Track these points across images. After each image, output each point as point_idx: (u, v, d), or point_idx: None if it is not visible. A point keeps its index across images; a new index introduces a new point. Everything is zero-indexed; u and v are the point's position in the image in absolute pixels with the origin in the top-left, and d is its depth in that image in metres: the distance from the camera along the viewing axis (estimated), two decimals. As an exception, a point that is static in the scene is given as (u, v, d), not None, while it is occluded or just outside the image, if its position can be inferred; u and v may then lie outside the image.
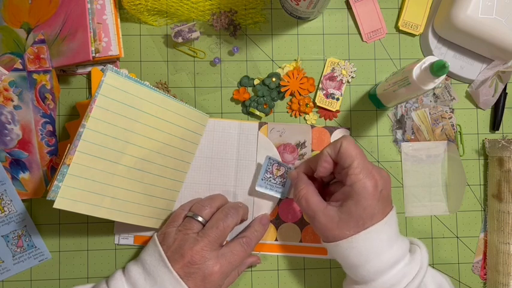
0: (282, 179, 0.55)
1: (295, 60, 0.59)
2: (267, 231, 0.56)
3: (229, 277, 0.52)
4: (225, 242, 0.52)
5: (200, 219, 0.50)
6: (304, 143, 0.58)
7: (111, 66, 0.47)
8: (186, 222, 0.51)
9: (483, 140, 0.60)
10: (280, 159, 0.56)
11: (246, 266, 0.56)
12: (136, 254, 0.57)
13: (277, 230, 0.58)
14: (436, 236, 0.60)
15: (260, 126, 0.57)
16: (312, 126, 0.58)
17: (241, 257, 0.51)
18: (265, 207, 0.57)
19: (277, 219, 0.58)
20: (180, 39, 0.56)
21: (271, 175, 0.55)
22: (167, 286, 0.46)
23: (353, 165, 0.46)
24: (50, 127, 0.54)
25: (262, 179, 0.54)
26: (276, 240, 0.58)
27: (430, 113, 0.59)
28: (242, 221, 0.55)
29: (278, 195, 0.56)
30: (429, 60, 0.46)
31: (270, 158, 0.53)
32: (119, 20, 0.56)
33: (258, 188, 0.54)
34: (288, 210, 0.58)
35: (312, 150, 0.58)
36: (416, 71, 0.46)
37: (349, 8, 0.60)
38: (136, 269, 0.48)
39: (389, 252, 0.45)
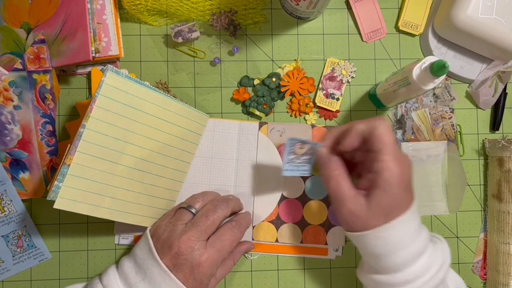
0: (306, 157, 0.51)
1: (295, 60, 0.59)
2: (268, 231, 0.56)
3: (223, 267, 0.51)
4: None
5: (193, 210, 0.50)
6: (304, 143, 0.57)
7: (111, 66, 0.47)
8: (178, 214, 0.51)
9: (483, 140, 0.60)
10: (302, 138, 0.51)
11: (240, 254, 0.55)
12: (137, 254, 0.57)
13: (277, 230, 0.57)
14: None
15: (260, 126, 0.57)
16: (312, 126, 0.58)
17: (231, 242, 0.50)
18: (266, 208, 0.57)
19: (277, 220, 0.57)
20: (180, 39, 0.56)
21: (294, 155, 0.50)
22: (157, 278, 0.46)
23: (385, 151, 0.43)
24: (50, 127, 0.54)
25: (287, 163, 0.50)
26: (277, 241, 0.57)
27: (430, 113, 0.59)
28: (234, 213, 0.54)
29: (306, 174, 0.52)
30: (429, 60, 0.46)
31: (291, 139, 0.49)
32: (118, 20, 0.56)
33: (285, 174, 0.50)
34: (289, 210, 0.58)
35: None
36: (416, 71, 0.46)
37: (349, 8, 0.60)
38: (128, 263, 0.48)
39: (416, 243, 0.44)
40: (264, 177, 0.57)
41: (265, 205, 0.57)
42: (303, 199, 0.58)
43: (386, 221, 0.43)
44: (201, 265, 0.47)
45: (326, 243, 0.57)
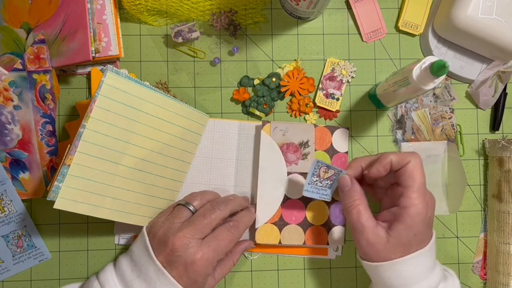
0: (328, 181, 0.52)
1: (295, 60, 0.59)
2: (271, 234, 0.55)
3: (222, 267, 0.51)
4: None
5: (191, 207, 0.50)
6: (307, 142, 0.57)
7: (111, 66, 0.47)
8: (176, 211, 0.50)
9: (483, 140, 0.60)
10: (329, 163, 0.53)
11: (239, 253, 0.54)
12: (137, 254, 0.57)
13: (280, 232, 0.56)
14: (436, 236, 0.60)
15: (263, 124, 0.56)
16: (315, 126, 0.58)
17: (228, 242, 0.49)
18: (269, 209, 0.56)
19: (280, 221, 0.56)
20: (180, 39, 0.56)
21: (317, 178, 0.51)
22: (151, 276, 0.46)
23: (413, 188, 0.45)
24: (50, 127, 0.54)
25: (309, 183, 0.51)
26: (280, 243, 0.56)
27: (430, 113, 0.59)
28: (236, 212, 0.53)
29: (326, 198, 0.53)
30: (429, 60, 0.46)
31: (318, 161, 0.49)
32: (118, 20, 0.56)
33: (305, 194, 0.51)
34: (292, 211, 0.56)
35: (315, 150, 0.57)
36: (416, 71, 0.46)
37: (349, 8, 0.60)
38: (125, 261, 0.48)
39: (429, 278, 0.45)
40: (267, 177, 0.56)
41: (269, 206, 0.56)
42: (306, 199, 0.56)
43: (403, 255, 0.44)
44: (195, 263, 0.46)
45: (328, 243, 0.56)
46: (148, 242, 0.48)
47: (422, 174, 0.45)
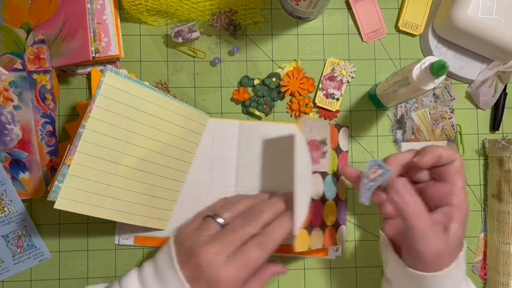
0: (372, 183, 0.45)
1: (295, 60, 0.59)
2: (305, 240, 0.49)
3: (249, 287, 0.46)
4: None
5: (219, 220, 0.47)
6: (325, 140, 0.53)
7: (111, 66, 0.47)
8: (205, 223, 0.48)
9: (483, 140, 0.60)
10: (381, 162, 0.45)
11: (268, 276, 0.48)
12: (137, 254, 0.57)
13: (309, 237, 0.49)
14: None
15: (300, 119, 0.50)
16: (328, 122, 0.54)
17: (257, 260, 0.44)
18: (303, 212, 0.49)
19: (309, 225, 0.50)
20: (180, 40, 0.56)
21: (367, 180, 0.45)
22: None
23: (462, 185, 0.43)
24: (50, 127, 0.54)
25: (366, 189, 0.45)
26: (309, 249, 0.49)
27: (430, 113, 0.59)
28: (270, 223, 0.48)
29: (365, 202, 0.46)
30: (429, 60, 0.46)
31: (374, 161, 0.44)
32: (118, 20, 0.56)
33: (363, 200, 0.45)
34: (316, 213, 0.51)
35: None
36: (416, 71, 0.46)
37: (349, 8, 0.60)
38: (148, 268, 0.46)
39: (467, 280, 0.45)
40: (303, 178, 0.49)
41: (304, 209, 0.49)
42: (323, 199, 0.53)
43: (453, 259, 0.42)
44: (219, 281, 0.42)
45: (336, 244, 0.54)
46: (174, 252, 0.45)
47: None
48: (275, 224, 0.47)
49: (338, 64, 0.59)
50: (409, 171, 0.47)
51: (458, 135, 0.60)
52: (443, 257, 0.41)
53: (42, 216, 0.56)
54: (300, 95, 0.58)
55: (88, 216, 0.47)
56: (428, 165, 0.44)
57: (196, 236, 0.45)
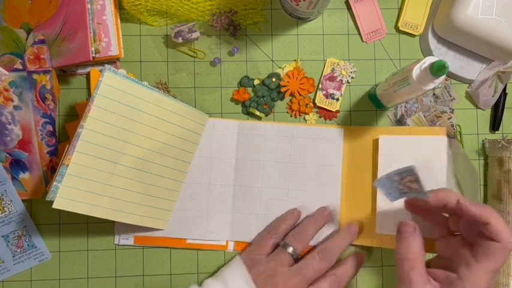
0: (405, 189, 0.45)
1: (295, 60, 0.59)
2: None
3: None
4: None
5: (290, 250, 0.51)
6: None
7: (109, 66, 0.47)
8: (278, 252, 0.51)
9: (483, 140, 0.60)
10: (420, 177, 0.43)
11: None
12: (137, 254, 0.57)
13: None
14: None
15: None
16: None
17: None
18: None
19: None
20: (180, 40, 0.56)
21: (398, 178, 0.45)
22: None
23: (488, 267, 0.41)
24: (50, 127, 0.54)
25: (386, 177, 0.46)
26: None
27: (424, 116, 0.59)
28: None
29: (389, 198, 0.48)
30: (429, 60, 0.46)
31: (415, 167, 0.43)
32: (119, 20, 0.57)
33: (376, 183, 0.47)
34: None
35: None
36: (416, 71, 0.46)
37: (349, 8, 0.60)
38: (218, 287, 0.49)
39: None
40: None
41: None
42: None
43: None
44: None
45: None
46: (251, 277, 0.48)
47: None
48: (347, 265, 0.51)
49: (338, 64, 0.59)
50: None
51: (458, 135, 0.60)
52: None
53: (42, 216, 0.56)
54: (300, 95, 0.58)
55: (88, 216, 0.47)
56: (456, 230, 0.45)
57: (275, 265, 0.49)
